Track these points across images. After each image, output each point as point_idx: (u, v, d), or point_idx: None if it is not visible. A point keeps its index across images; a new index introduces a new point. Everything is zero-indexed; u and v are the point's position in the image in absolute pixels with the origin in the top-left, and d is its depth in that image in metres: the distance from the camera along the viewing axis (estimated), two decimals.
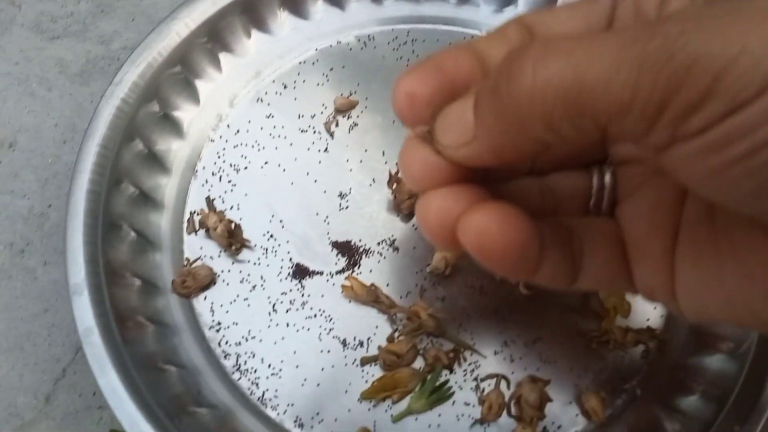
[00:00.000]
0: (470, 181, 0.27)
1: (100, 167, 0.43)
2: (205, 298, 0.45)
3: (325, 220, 0.47)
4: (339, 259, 0.46)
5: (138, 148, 0.46)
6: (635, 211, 0.30)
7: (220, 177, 0.48)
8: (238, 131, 0.50)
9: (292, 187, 0.48)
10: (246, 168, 0.49)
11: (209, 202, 0.47)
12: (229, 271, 0.46)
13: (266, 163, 0.49)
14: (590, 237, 0.30)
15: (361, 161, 0.49)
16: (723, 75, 0.18)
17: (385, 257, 0.47)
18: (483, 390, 0.43)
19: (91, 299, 0.40)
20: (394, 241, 0.47)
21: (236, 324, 0.45)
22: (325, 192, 0.48)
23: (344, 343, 0.44)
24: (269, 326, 0.45)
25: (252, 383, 0.43)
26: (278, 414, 0.43)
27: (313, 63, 0.52)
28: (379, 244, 0.47)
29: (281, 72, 0.51)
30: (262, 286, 0.46)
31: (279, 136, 0.50)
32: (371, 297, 0.44)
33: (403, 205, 0.46)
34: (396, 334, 0.44)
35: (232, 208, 0.48)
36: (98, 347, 0.38)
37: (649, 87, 0.19)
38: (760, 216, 0.22)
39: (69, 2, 0.55)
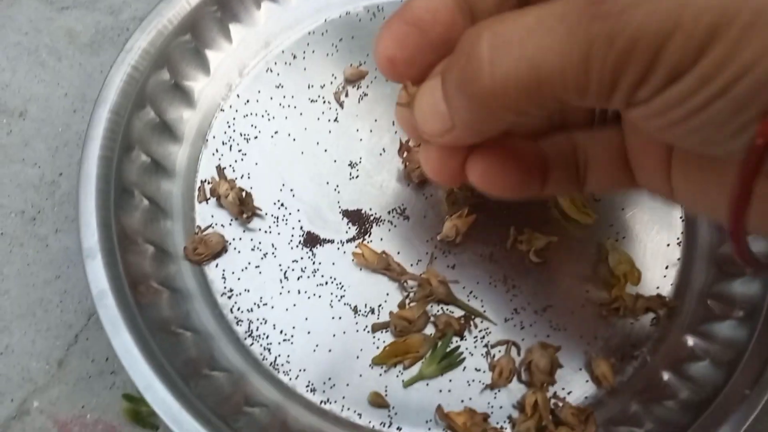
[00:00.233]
0: None
1: (112, 133, 0.43)
2: (217, 265, 0.45)
3: (335, 189, 0.47)
4: (350, 228, 0.47)
5: (149, 116, 0.46)
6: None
7: (231, 146, 0.48)
8: (248, 101, 0.50)
9: (303, 156, 0.48)
10: (256, 137, 0.49)
11: (220, 170, 0.47)
12: (240, 239, 0.46)
13: (276, 132, 0.49)
14: (595, 148, 0.33)
15: (371, 131, 0.49)
16: (661, 51, 0.20)
17: (395, 225, 0.47)
18: (493, 356, 0.44)
19: (104, 262, 0.40)
20: (404, 209, 0.47)
21: (248, 291, 0.45)
22: (335, 161, 0.48)
23: (355, 310, 0.45)
24: (281, 293, 0.45)
25: (264, 349, 0.44)
26: (290, 379, 0.43)
27: (323, 33, 0.52)
28: (389, 212, 0.47)
29: (291, 42, 0.51)
30: (273, 254, 0.46)
31: (289, 106, 0.50)
32: (382, 264, 0.45)
33: (414, 173, 0.46)
34: (407, 301, 0.44)
35: (242, 177, 0.48)
36: (112, 309, 0.39)
37: (599, 71, 0.21)
38: (717, 155, 0.24)
39: None
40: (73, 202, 0.47)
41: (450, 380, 0.43)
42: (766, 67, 0.20)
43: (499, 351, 0.44)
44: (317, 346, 0.44)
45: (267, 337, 0.44)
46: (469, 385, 0.43)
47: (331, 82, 0.50)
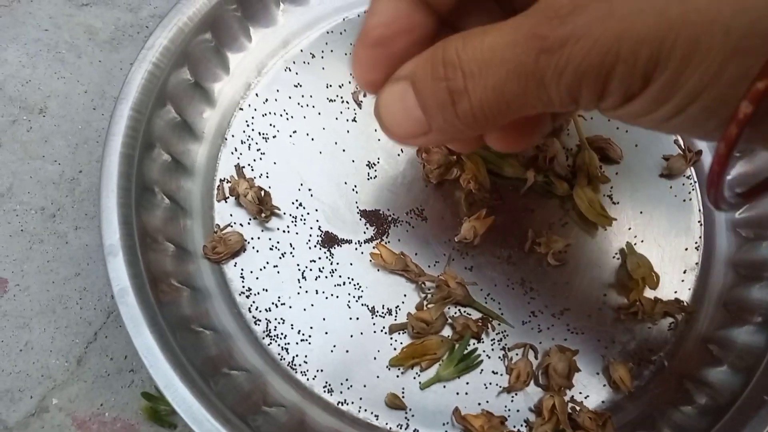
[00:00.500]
0: None
1: (133, 131, 0.43)
2: (236, 264, 0.45)
3: (353, 189, 0.47)
4: (367, 228, 0.47)
5: (170, 114, 0.46)
6: None
7: (249, 145, 0.48)
8: (266, 100, 0.50)
9: (321, 156, 0.48)
10: (275, 137, 0.49)
11: (239, 169, 0.47)
12: (258, 238, 0.46)
13: (295, 131, 0.49)
14: None
15: None
16: (608, 79, 0.22)
17: (413, 226, 0.47)
18: (511, 359, 0.44)
19: (125, 260, 0.40)
20: (422, 210, 0.47)
21: (266, 290, 0.45)
22: (353, 161, 0.48)
23: (373, 310, 0.45)
24: (298, 293, 0.45)
25: (282, 348, 0.44)
26: (308, 379, 0.43)
27: (341, 33, 0.52)
28: (407, 213, 0.47)
29: (309, 42, 0.51)
30: (291, 253, 0.46)
31: (307, 105, 0.50)
32: (400, 265, 0.45)
33: (432, 174, 0.46)
34: (425, 303, 0.44)
35: (261, 176, 0.48)
36: (133, 307, 0.39)
37: (557, 94, 0.24)
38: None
39: None
40: (93, 199, 0.47)
41: (467, 383, 0.43)
42: (713, 94, 0.21)
43: (517, 354, 0.44)
44: (334, 346, 0.44)
45: (285, 336, 0.44)
46: (486, 387, 0.43)
47: (350, 82, 0.50)
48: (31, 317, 0.46)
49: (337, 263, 0.46)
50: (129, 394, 0.44)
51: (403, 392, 0.43)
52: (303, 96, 0.50)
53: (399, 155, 0.48)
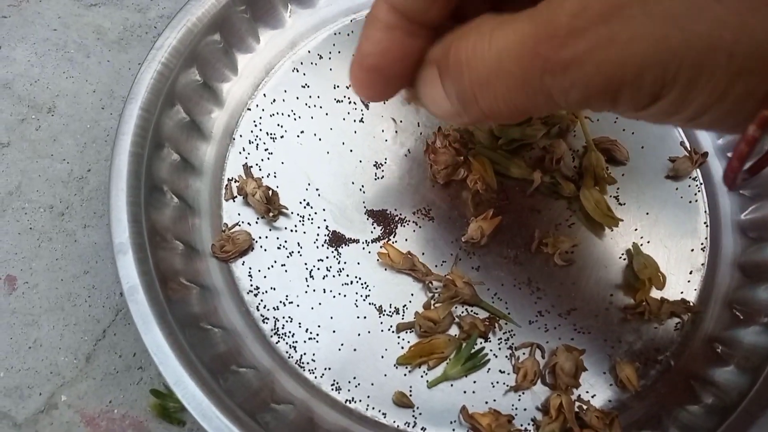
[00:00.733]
0: None
1: (142, 130, 0.43)
2: (243, 263, 0.46)
3: (360, 189, 0.48)
4: (375, 228, 0.47)
5: (179, 114, 0.46)
6: None
7: (257, 145, 0.49)
8: (274, 100, 0.50)
9: (328, 156, 0.49)
10: (282, 137, 0.49)
11: (246, 169, 0.48)
12: (266, 237, 0.46)
13: (302, 132, 0.49)
14: None
15: (396, 132, 0.49)
16: (615, 98, 0.23)
17: (420, 226, 0.47)
18: (518, 358, 0.44)
19: (135, 258, 0.40)
20: (429, 210, 0.47)
21: (274, 289, 0.45)
22: (360, 161, 0.48)
23: (380, 309, 0.45)
24: (306, 292, 0.45)
25: (290, 347, 0.44)
26: (316, 377, 0.43)
27: (348, 34, 0.52)
28: (414, 213, 0.47)
29: (317, 43, 0.52)
30: (299, 252, 0.46)
31: (315, 106, 0.50)
32: (407, 264, 0.45)
33: (439, 175, 0.47)
34: (432, 302, 0.44)
35: (268, 175, 0.48)
36: (142, 305, 0.39)
37: (567, 106, 0.25)
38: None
39: None
40: (102, 198, 0.48)
41: (474, 381, 0.43)
42: (723, 108, 0.22)
43: (524, 353, 0.44)
44: (342, 345, 0.44)
45: (293, 335, 0.44)
46: (494, 386, 0.43)
47: None
48: (39, 314, 0.46)
49: (345, 262, 0.46)
50: (138, 392, 0.44)
51: (410, 391, 0.43)
52: (310, 96, 0.50)
53: (406, 155, 0.48)
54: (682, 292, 0.46)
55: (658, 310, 0.44)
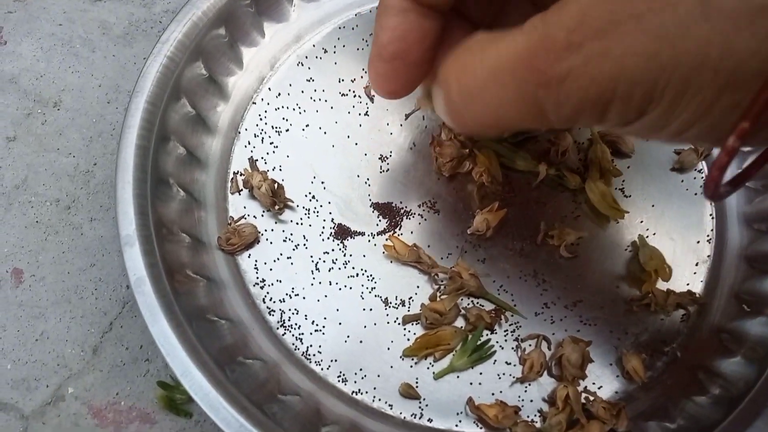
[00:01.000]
0: None
1: (148, 123, 0.44)
2: (249, 255, 0.46)
3: (366, 182, 0.48)
4: (380, 221, 0.47)
5: (185, 108, 0.47)
6: None
7: (263, 138, 0.49)
8: (279, 94, 0.50)
9: (333, 149, 0.49)
10: (287, 130, 0.49)
11: (252, 162, 0.48)
12: (272, 230, 0.46)
13: (307, 125, 0.49)
14: None
15: (401, 125, 0.49)
16: (605, 111, 0.24)
17: (425, 219, 0.47)
18: (524, 350, 0.44)
19: (142, 250, 0.40)
20: (434, 203, 0.47)
21: (280, 281, 0.45)
22: (365, 155, 0.48)
23: (386, 301, 0.45)
24: (312, 284, 0.45)
25: (296, 339, 0.44)
26: (322, 369, 0.43)
27: (353, 28, 0.52)
28: (419, 206, 0.47)
29: (321, 36, 0.52)
30: (304, 245, 0.46)
31: (320, 100, 0.50)
32: (413, 257, 0.45)
33: (444, 167, 0.47)
34: (438, 294, 0.44)
35: (274, 169, 0.48)
36: (149, 296, 0.39)
37: (556, 121, 0.25)
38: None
39: None
40: (108, 191, 0.48)
41: (480, 373, 0.43)
42: (708, 122, 0.23)
43: (530, 345, 0.44)
44: (348, 337, 0.44)
45: (299, 327, 0.44)
46: (500, 378, 0.43)
47: (362, 77, 0.50)
48: (46, 307, 0.46)
49: (350, 255, 0.46)
50: (144, 384, 0.44)
51: (416, 382, 0.43)
52: (315, 90, 0.50)
53: (411, 148, 0.48)
54: (688, 284, 0.46)
55: (664, 302, 0.44)
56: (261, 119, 0.49)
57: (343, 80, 0.50)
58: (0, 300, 0.46)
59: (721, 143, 0.23)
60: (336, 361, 0.43)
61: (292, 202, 0.46)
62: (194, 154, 0.47)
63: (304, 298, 0.45)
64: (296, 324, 0.44)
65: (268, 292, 0.45)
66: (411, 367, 0.43)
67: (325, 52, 0.51)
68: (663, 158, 0.49)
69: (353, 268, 0.46)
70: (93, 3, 0.54)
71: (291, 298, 0.45)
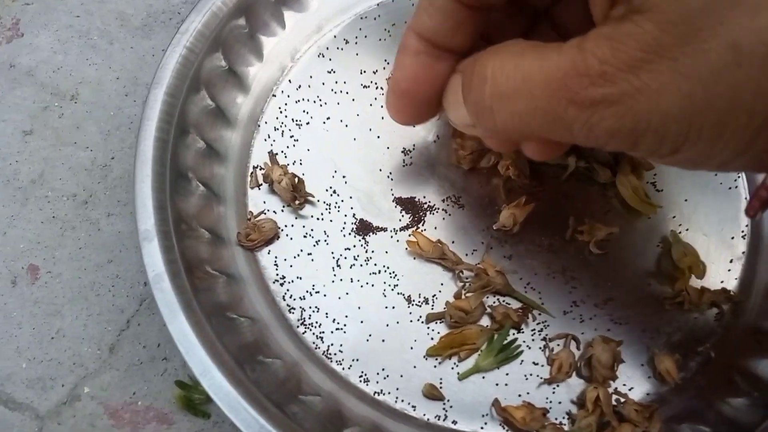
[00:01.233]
0: None
1: (167, 116, 0.43)
2: (269, 251, 0.45)
3: (388, 176, 0.46)
4: (403, 216, 0.46)
5: (204, 100, 0.46)
6: None
7: (283, 132, 0.48)
8: (300, 86, 0.49)
9: (355, 143, 0.47)
10: (308, 123, 0.48)
11: (272, 156, 0.47)
12: (292, 225, 0.45)
13: (328, 118, 0.48)
14: None
15: None
16: (638, 141, 0.24)
17: (450, 214, 0.46)
18: (552, 349, 0.42)
19: (161, 246, 0.39)
20: (459, 197, 0.46)
21: (300, 278, 0.44)
22: (388, 148, 0.47)
23: (409, 299, 0.44)
24: (333, 281, 0.44)
25: (317, 337, 0.43)
26: (343, 368, 0.42)
27: (375, 18, 0.51)
28: (443, 200, 0.46)
29: (343, 27, 0.51)
30: (325, 241, 0.45)
31: (341, 92, 0.49)
32: (437, 253, 0.44)
33: (464, 160, 0.45)
34: (463, 291, 0.43)
35: (294, 163, 0.47)
36: (168, 293, 0.38)
37: (582, 141, 0.26)
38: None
39: None
40: (126, 186, 0.47)
41: (507, 373, 0.42)
42: (745, 160, 0.23)
43: (558, 344, 0.43)
44: (370, 335, 0.43)
45: (320, 325, 0.43)
46: (527, 379, 0.42)
47: (384, 68, 0.49)
48: (63, 304, 0.45)
49: (373, 251, 0.45)
50: (162, 383, 0.43)
51: (440, 383, 0.42)
52: (336, 82, 0.49)
53: (435, 141, 0.47)
54: (722, 281, 0.44)
55: (698, 300, 0.42)
56: (281, 112, 0.48)
57: (365, 72, 0.49)
58: (16, 297, 0.45)
59: (758, 172, 0.24)
60: (357, 360, 0.42)
61: (313, 196, 0.45)
62: (213, 147, 0.46)
63: (324, 295, 0.44)
64: (317, 322, 0.43)
65: (288, 290, 0.44)
66: (435, 367, 0.42)
67: (347, 42, 0.50)
68: None
69: (375, 264, 0.44)
70: None
71: (311, 295, 0.44)
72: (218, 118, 0.47)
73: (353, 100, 0.48)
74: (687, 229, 0.45)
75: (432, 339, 0.43)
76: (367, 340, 0.43)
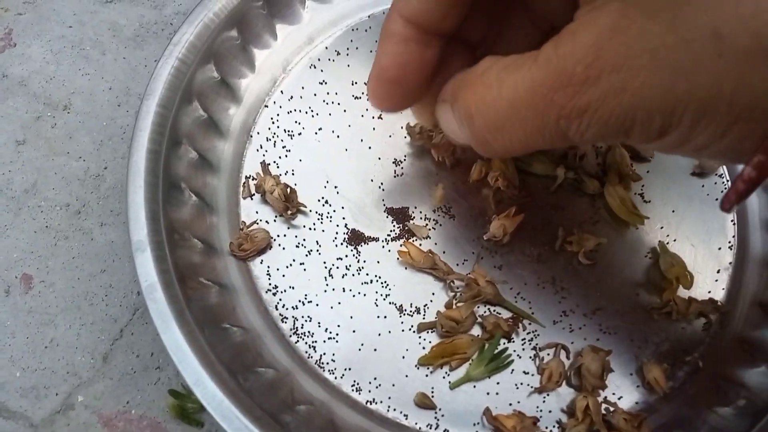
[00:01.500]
0: None
1: (160, 127, 0.43)
2: (262, 261, 0.45)
3: (380, 187, 0.47)
4: (394, 226, 0.46)
5: (197, 111, 0.46)
6: None
7: (275, 142, 0.48)
8: (291, 97, 0.49)
9: (347, 153, 0.48)
10: (300, 134, 0.48)
11: (264, 166, 0.47)
12: (284, 235, 0.46)
13: (320, 129, 0.48)
14: None
15: None
16: (627, 134, 0.25)
17: (441, 224, 0.46)
18: (542, 359, 0.43)
19: (153, 256, 0.39)
20: (450, 208, 0.46)
21: (293, 288, 0.44)
22: (379, 159, 0.48)
23: (400, 309, 0.44)
24: (325, 291, 0.44)
25: (309, 347, 0.43)
26: (336, 377, 0.42)
27: (366, 30, 0.51)
28: (434, 211, 0.46)
29: (334, 39, 0.51)
30: (317, 251, 0.45)
31: (332, 103, 0.49)
32: (428, 263, 0.44)
33: (447, 157, 0.46)
34: (454, 301, 0.44)
35: (286, 173, 0.47)
36: (161, 303, 0.38)
37: (580, 143, 0.28)
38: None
39: None
40: (118, 195, 0.47)
41: (498, 382, 0.43)
42: (722, 146, 0.24)
43: (548, 354, 0.43)
44: (362, 345, 0.43)
45: (312, 334, 0.43)
46: (518, 388, 0.42)
47: None
48: (56, 314, 0.45)
49: (364, 261, 0.45)
50: (155, 392, 0.44)
51: (432, 392, 0.42)
52: (328, 93, 0.49)
53: (426, 152, 0.47)
54: (709, 292, 0.45)
55: (685, 310, 0.43)
56: (273, 123, 0.48)
57: (356, 83, 0.50)
58: (9, 306, 0.45)
59: (735, 163, 0.25)
60: (350, 369, 0.43)
61: (305, 206, 0.46)
62: (206, 158, 0.46)
63: (317, 305, 0.44)
64: (309, 331, 0.43)
65: (280, 299, 0.44)
66: (426, 376, 0.43)
67: (338, 54, 0.50)
68: (683, 162, 0.48)
69: (367, 274, 0.45)
70: (103, 5, 0.53)
71: (304, 305, 0.44)
72: (210, 128, 0.47)
73: (345, 111, 0.49)
74: (674, 240, 0.46)
75: (423, 348, 0.43)
76: (359, 350, 0.43)
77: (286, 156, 0.48)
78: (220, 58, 0.47)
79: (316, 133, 0.48)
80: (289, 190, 0.45)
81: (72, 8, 0.53)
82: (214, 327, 0.40)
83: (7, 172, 0.48)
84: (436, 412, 0.42)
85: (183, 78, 0.45)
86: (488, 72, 0.28)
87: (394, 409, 0.42)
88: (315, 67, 0.50)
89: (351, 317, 0.44)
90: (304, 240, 0.45)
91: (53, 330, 0.45)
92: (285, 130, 0.48)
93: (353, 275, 0.45)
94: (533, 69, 0.25)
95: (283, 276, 0.45)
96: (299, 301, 0.44)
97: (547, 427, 0.41)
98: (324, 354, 0.43)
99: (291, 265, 0.45)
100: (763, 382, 0.41)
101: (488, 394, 0.42)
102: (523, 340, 0.43)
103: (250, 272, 0.45)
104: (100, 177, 0.48)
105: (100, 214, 0.48)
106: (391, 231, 0.46)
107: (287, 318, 0.44)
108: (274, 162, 0.47)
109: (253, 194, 0.46)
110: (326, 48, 0.51)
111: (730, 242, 0.46)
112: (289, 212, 0.45)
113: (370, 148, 0.48)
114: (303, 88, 0.49)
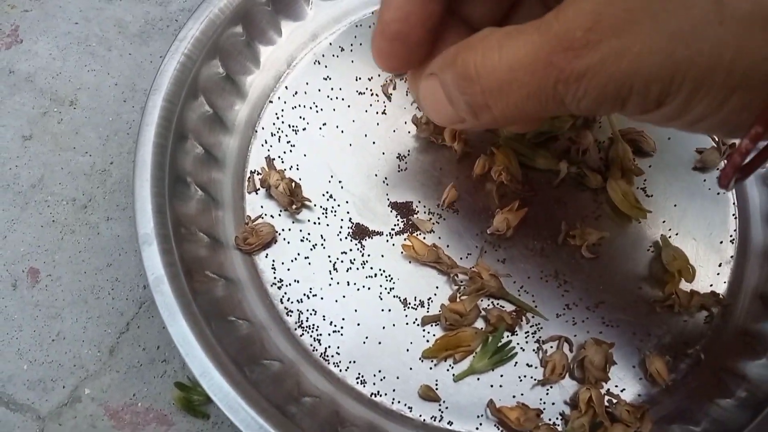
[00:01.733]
0: None
1: (166, 121, 0.43)
2: (267, 255, 0.45)
3: (384, 181, 0.47)
4: (398, 220, 0.46)
5: (202, 107, 0.46)
6: None
7: (279, 137, 0.48)
8: (296, 93, 0.50)
9: (351, 148, 0.48)
10: (304, 129, 0.49)
11: (269, 161, 0.47)
12: (289, 229, 0.46)
13: (324, 124, 0.49)
14: None
15: None
16: (624, 103, 0.25)
17: (444, 219, 0.46)
18: (545, 351, 0.43)
19: (160, 249, 0.40)
20: (453, 202, 0.47)
21: (297, 281, 0.45)
22: (383, 153, 0.48)
23: (405, 302, 0.44)
24: (330, 284, 0.45)
25: (314, 340, 0.43)
26: (341, 370, 0.43)
27: (370, 26, 0.52)
28: (438, 205, 0.47)
29: (338, 35, 0.51)
30: (322, 245, 0.46)
31: (337, 98, 0.49)
32: (432, 257, 0.44)
33: (427, 131, 0.47)
34: (458, 294, 0.44)
35: (291, 168, 0.47)
36: (168, 296, 0.38)
37: (577, 111, 0.26)
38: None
39: None
40: (124, 190, 0.47)
41: (501, 375, 0.43)
42: (720, 117, 0.24)
43: (551, 346, 0.43)
44: (367, 338, 0.43)
45: (317, 328, 0.44)
46: (521, 380, 0.43)
47: (379, 75, 0.50)
48: (63, 307, 0.46)
49: (369, 255, 0.45)
50: (162, 385, 0.44)
51: (436, 384, 0.42)
52: (332, 89, 0.50)
53: (429, 147, 0.48)
54: (711, 285, 0.45)
55: (687, 303, 0.43)
56: (278, 118, 0.49)
57: (360, 78, 0.50)
58: (16, 300, 0.46)
59: (732, 136, 0.24)
60: (354, 362, 0.43)
61: (310, 201, 0.46)
62: (211, 152, 0.47)
63: (321, 298, 0.44)
64: (314, 325, 0.44)
65: (285, 293, 0.44)
66: (430, 369, 0.43)
67: (342, 50, 0.51)
68: (685, 157, 0.48)
69: (371, 268, 0.45)
70: (109, 1, 0.54)
71: (309, 298, 0.44)
72: (216, 123, 0.47)
73: (349, 106, 0.49)
74: (677, 234, 0.46)
75: (428, 341, 0.43)
76: (364, 343, 0.43)
77: (291, 151, 0.48)
78: (226, 54, 0.47)
79: (320, 128, 0.49)
80: (293, 184, 0.45)
81: (78, 5, 0.54)
82: (220, 320, 0.41)
83: (14, 167, 0.49)
84: (440, 405, 0.42)
85: (189, 73, 0.45)
86: (489, 37, 0.27)
87: (399, 402, 0.42)
88: (319, 63, 0.50)
89: (355, 310, 0.44)
90: (309, 234, 0.46)
91: (60, 323, 0.45)
92: (289, 126, 0.49)
93: (357, 269, 0.45)
94: (534, 34, 0.25)
95: (288, 270, 0.45)
96: (304, 294, 0.44)
97: (550, 419, 0.42)
98: (329, 347, 0.43)
99: (296, 258, 0.45)
100: (764, 375, 0.41)
101: (492, 386, 0.43)
102: (526, 332, 0.44)
103: (256, 266, 0.45)
104: (106, 172, 0.49)
105: (107, 208, 0.48)
106: (395, 225, 0.46)
107: (292, 311, 0.44)
108: (279, 157, 0.48)
109: (258, 189, 0.47)
110: (330, 44, 0.51)
111: (731, 236, 0.46)
112: (294, 206, 0.45)
113: (374, 143, 0.48)
114: (307, 83, 0.50)
